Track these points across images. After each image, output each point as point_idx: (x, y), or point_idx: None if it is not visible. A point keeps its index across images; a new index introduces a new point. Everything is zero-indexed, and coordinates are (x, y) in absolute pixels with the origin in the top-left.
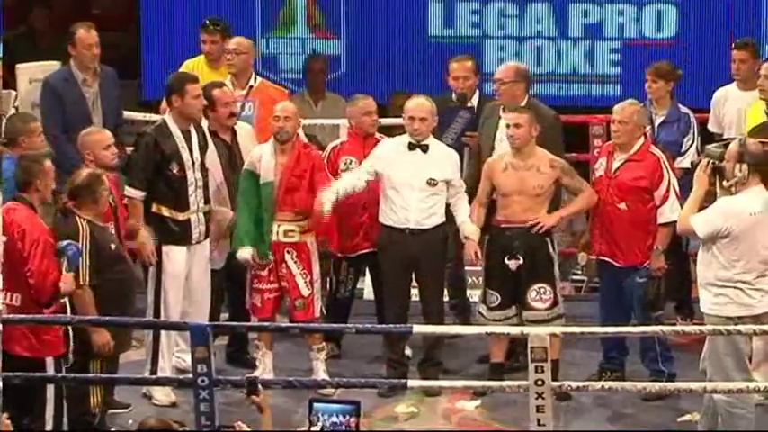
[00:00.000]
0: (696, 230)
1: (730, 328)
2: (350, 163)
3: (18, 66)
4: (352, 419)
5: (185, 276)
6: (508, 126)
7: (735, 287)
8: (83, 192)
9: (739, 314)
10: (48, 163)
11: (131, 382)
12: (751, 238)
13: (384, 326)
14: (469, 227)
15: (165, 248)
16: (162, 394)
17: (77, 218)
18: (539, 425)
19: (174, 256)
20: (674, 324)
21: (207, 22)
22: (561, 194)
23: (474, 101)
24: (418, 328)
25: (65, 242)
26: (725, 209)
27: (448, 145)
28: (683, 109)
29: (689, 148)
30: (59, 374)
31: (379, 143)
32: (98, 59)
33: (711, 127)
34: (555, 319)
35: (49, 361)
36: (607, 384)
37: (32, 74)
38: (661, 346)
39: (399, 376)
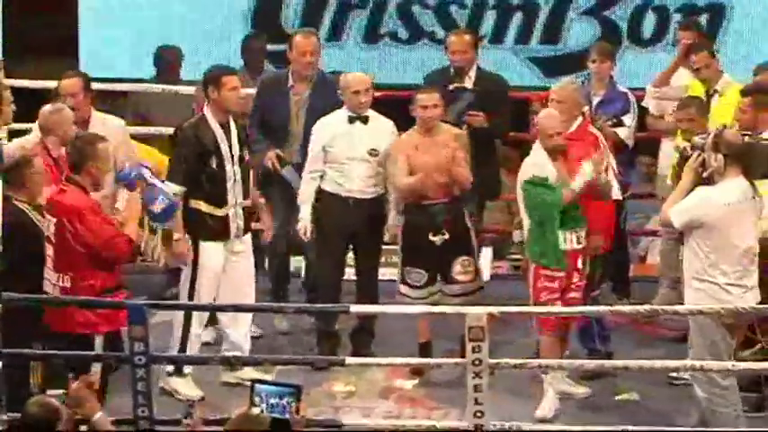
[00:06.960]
0: (673, 220)
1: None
2: None
3: None
4: (293, 402)
5: (223, 270)
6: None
7: (712, 282)
8: (11, 175)
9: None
10: (101, 146)
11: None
12: (724, 228)
13: (322, 305)
14: None
15: (202, 244)
16: (186, 388)
17: (15, 201)
18: (476, 404)
19: (211, 252)
20: (612, 304)
21: None
22: None
23: (472, 74)
24: (355, 308)
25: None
26: (699, 198)
27: (452, 124)
28: (621, 88)
29: (630, 127)
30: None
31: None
32: (313, 67)
33: (648, 102)
34: (478, 291)
35: (99, 340)
36: (544, 362)
37: None
38: (598, 325)
39: (330, 348)
